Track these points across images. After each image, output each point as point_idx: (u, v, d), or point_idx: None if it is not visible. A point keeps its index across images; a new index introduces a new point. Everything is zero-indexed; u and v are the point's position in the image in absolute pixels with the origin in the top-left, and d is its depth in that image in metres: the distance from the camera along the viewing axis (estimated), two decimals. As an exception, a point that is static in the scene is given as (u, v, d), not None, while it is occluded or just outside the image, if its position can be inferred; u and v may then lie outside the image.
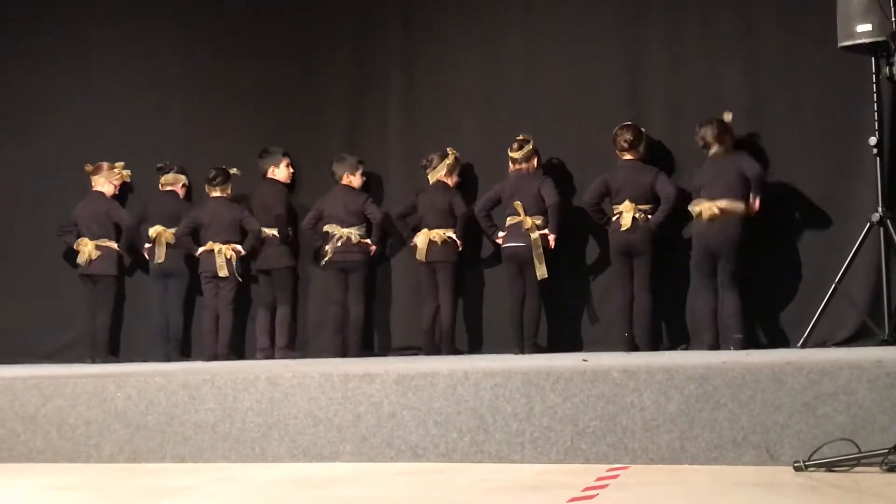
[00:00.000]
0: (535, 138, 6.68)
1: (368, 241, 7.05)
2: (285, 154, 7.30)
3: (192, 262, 7.40)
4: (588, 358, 5.08)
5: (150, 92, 7.73)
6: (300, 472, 4.02)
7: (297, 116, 7.29)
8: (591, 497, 3.26)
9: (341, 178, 7.08)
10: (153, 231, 7.39)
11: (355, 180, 7.10)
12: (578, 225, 6.68)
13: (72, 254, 7.61)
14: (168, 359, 7.16)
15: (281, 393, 4.30)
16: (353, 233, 6.99)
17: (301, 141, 7.35)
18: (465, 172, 7.00)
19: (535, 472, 3.82)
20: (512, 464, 3.99)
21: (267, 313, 7.27)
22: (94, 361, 7.24)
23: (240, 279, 7.24)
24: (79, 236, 7.54)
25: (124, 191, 7.75)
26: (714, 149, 6.20)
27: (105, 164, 7.60)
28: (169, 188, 7.54)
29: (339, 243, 6.96)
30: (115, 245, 7.55)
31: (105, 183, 7.60)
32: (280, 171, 7.29)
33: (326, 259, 7.01)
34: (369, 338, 7.14)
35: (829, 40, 5.85)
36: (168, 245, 7.34)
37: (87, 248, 7.45)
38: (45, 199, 7.82)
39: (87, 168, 7.57)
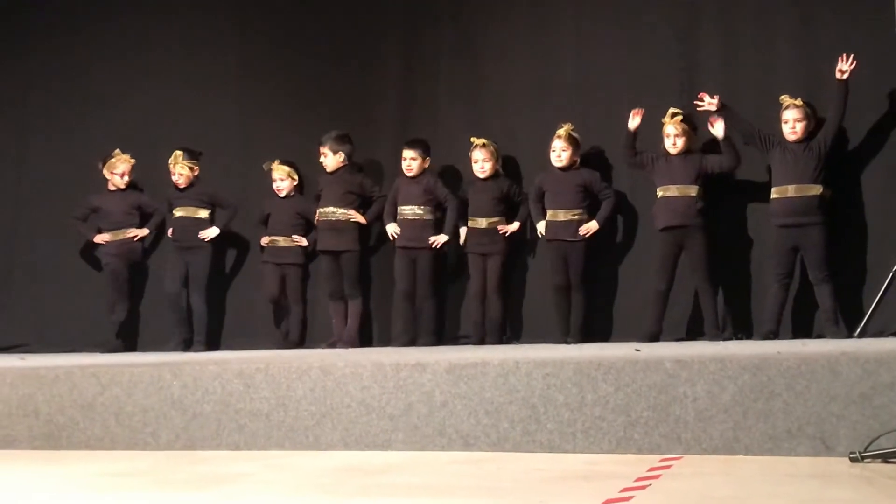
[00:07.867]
0: (586, 128, 6.66)
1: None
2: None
3: (309, 252, 7.32)
4: (640, 348, 5.06)
5: (203, 88, 7.76)
6: (353, 459, 4.05)
7: (349, 110, 7.29)
8: (643, 487, 3.25)
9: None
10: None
11: None
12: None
13: None
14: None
15: (334, 382, 4.34)
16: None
17: (353, 134, 7.33)
18: (512, 163, 6.97)
19: (587, 461, 3.82)
20: (564, 454, 3.99)
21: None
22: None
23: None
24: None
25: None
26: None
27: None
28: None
29: None
30: None
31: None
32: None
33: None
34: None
35: (886, 27, 5.77)
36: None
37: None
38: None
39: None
